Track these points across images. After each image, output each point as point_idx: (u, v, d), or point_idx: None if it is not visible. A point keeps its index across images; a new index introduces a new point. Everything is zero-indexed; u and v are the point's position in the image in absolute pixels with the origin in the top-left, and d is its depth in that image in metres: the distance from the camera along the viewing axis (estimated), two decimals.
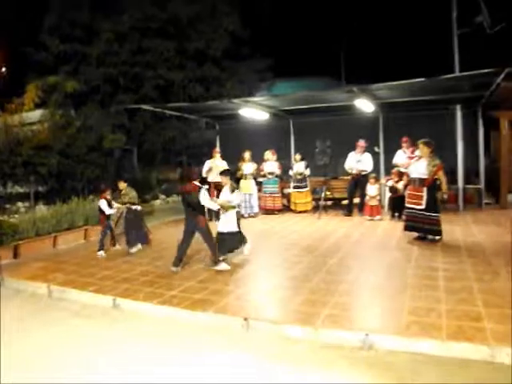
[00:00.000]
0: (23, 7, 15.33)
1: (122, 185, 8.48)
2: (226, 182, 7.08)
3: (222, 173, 7.28)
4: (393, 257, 7.04)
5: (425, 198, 7.70)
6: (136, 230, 8.36)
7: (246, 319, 4.67)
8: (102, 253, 8.08)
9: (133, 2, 16.44)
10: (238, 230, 7.03)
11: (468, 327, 4.16)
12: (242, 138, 13.68)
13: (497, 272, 5.83)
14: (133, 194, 8.48)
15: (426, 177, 7.71)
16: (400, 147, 10.84)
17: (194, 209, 6.73)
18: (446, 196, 7.76)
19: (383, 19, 22.50)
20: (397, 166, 10.71)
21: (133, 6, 16.37)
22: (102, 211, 8.29)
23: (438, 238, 7.85)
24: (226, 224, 6.93)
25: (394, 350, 4.04)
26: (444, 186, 7.70)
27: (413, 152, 10.42)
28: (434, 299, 4.91)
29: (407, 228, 8.09)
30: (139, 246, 8.36)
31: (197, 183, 6.85)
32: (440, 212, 7.88)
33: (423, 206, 7.71)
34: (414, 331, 4.15)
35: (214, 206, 6.94)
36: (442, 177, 7.70)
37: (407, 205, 8.07)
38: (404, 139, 10.73)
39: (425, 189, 7.71)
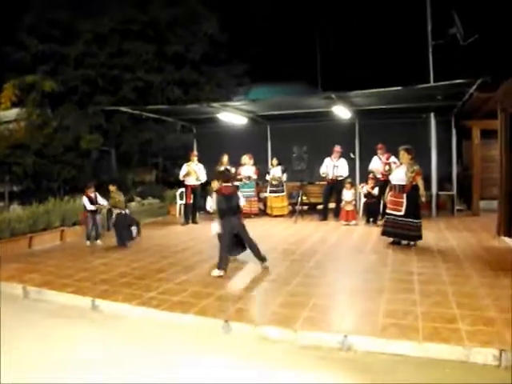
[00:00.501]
0: (1, 5, 15.06)
1: (111, 188, 8.98)
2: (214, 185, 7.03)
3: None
4: (369, 260, 7.15)
5: (404, 204, 7.80)
6: (124, 229, 8.76)
7: (226, 321, 4.69)
8: (88, 242, 8.99)
9: (113, 4, 16.36)
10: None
11: (443, 329, 4.26)
12: (220, 141, 13.68)
13: (469, 276, 5.98)
14: (119, 198, 8.85)
15: (405, 183, 7.83)
16: (375, 153, 11.02)
17: (235, 209, 6.78)
18: (423, 199, 7.92)
19: (360, 28, 22.81)
20: (372, 172, 10.89)
21: (113, 7, 16.29)
22: (84, 207, 9.02)
23: (413, 243, 7.99)
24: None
25: (372, 351, 4.11)
26: (422, 191, 7.84)
27: (388, 158, 10.64)
28: (410, 302, 5.00)
29: (385, 233, 8.20)
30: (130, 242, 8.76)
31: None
32: (421, 217, 8.00)
33: (402, 213, 7.82)
34: (391, 333, 4.23)
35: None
36: (419, 182, 7.83)
37: (388, 211, 8.18)
38: (379, 146, 10.91)
39: (404, 195, 7.82)
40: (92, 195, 9.05)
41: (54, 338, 4.69)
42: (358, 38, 23.04)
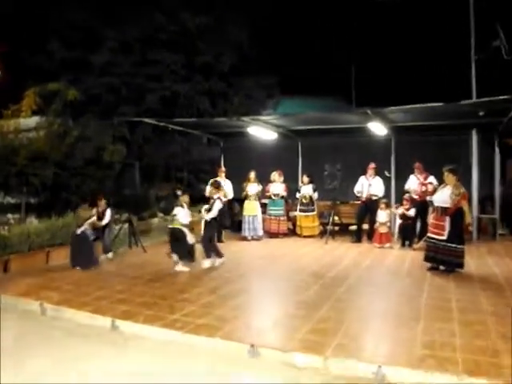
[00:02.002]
0: (24, 9, 15.45)
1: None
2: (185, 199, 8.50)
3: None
4: (404, 285, 7.14)
5: (447, 228, 7.73)
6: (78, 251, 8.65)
7: (252, 346, 4.73)
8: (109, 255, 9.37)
9: (141, 10, 16.72)
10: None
11: (484, 362, 4.22)
12: (248, 157, 13.80)
13: None
14: (82, 214, 8.96)
15: (448, 205, 7.76)
16: (411, 172, 10.98)
17: None
18: (470, 228, 7.81)
19: (398, 41, 22.78)
20: (408, 192, 10.84)
21: (141, 13, 16.64)
22: None
23: (459, 270, 7.88)
24: None
25: (408, 383, 4.10)
26: (468, 218, 7.77)
27: (425, 178, 10.59)
28: (448, 332, 4.97)
29: (427, 259, 8.14)
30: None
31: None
32: (464, 243, 7.93)
33: (445, 237, 7.75)
34: (428, 364, 4.21)
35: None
36: (465, 206, 7.75)
37: (429, 234, 8.13)
38: (416, 165, 10.86)
39: (447, 218, 7.75)
40: (99, 209, 9.22)
41: (74, 357, 4.79)
42: (395, 51, 23.02)
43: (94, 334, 5.43)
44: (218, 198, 8.63)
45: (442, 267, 7.97)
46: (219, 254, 8.64)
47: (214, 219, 8.59)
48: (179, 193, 8.67)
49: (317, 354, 4.51)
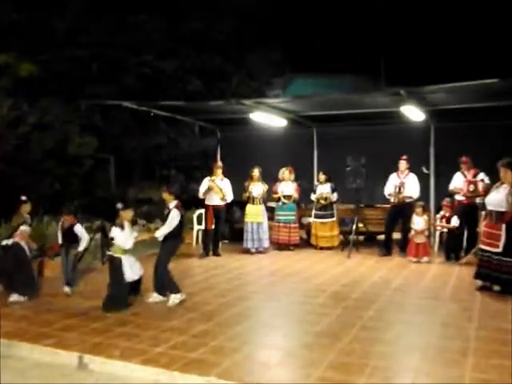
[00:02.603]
0: None
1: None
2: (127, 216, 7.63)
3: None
4: (448, 311, 7.06)
5: (503, 238, 7.60)
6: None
7: None
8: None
9: None
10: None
11: None
12: (251, 149, 13.79)
13: None
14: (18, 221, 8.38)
15: (505, 209, 7.64)
16: (458, 168, 10.91)
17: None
18: None
19: (438, 4, 22.72)
20: (452, 195, 10.78)
21: None
22: None
23: None
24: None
25: None
26: None
27: (474, 175, 10.53)
28: (506, 370, 4.90)
29: (479, 275, 8.06)
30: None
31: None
32: None
33: (500, 249, 7.64)
34: None
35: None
36: None
37: (481, 246, 8.05)
38: (463, 159, 10.79)
39: (503, 226, 7.62)
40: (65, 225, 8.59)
41: None
42: (435, 17, 22.94)
43: (57, 376, 5.35)
44: (176, 206, 7.66)
45: (496, 287, 7.89)
46: (176, 289, 7.62)
47: (172, 238, 7.73)
48: (119, 206, 7.57)
49: None
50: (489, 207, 7.94)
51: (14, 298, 7.83)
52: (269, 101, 12.75)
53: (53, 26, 16.00)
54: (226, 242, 13.08)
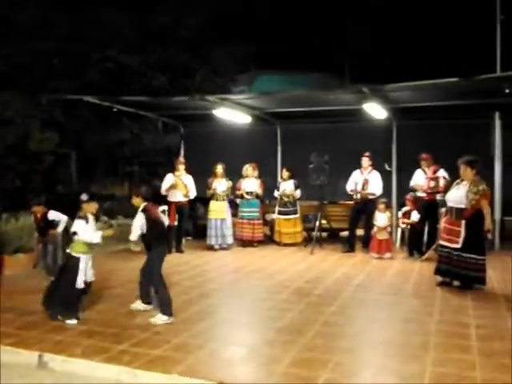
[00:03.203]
0: None
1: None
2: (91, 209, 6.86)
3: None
4: (409, 307, 7.13)
5: (462, 234, 7.70)
6: None
7: None
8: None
9: None
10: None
11: None
12: (214, 146, 13.78)
13: None
14: None
15: (465, 206, 7.73)
16: (418, 165, 11.03)
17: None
18: (489, 235, 7.80)
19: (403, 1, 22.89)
20: (414, 190, 10.91)
21: None
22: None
23: (480, 286, 7.88)
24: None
25: None
26: (488, 222, 7.69)
27: (434, 172, 10.65)
28: (466, 364, 4.96)
29: (439, 271, 8.16)
30: None
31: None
32: (485, 253, 7.88)
33: (459, 245, 7.74)
34: None
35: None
36: (486, 208, 7.70)
37: (441, 242, 8.15)
38: (423, 156, 10.91)
39: (463, 222, 7.72)
40: (38, 216, 8.72)
41: None
42: (399, 14, 23.09)
43: (16, 376, 5.25)
44: (143, 209, 6.88)
45: (456, 283, 8.01)
46: (169, 312, 6.67)
47: (158, 244, 7.00)
48: (84, 197, 6.88)
49: None
50: (449, 204, 8.04)
51: None
52: (233, 97, 12.74)
53: (14, 18, 15.68)
54: (190, 238, 13.04)
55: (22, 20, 15.70)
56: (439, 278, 8.20)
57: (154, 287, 6.80)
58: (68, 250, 6.80)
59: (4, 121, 14.49)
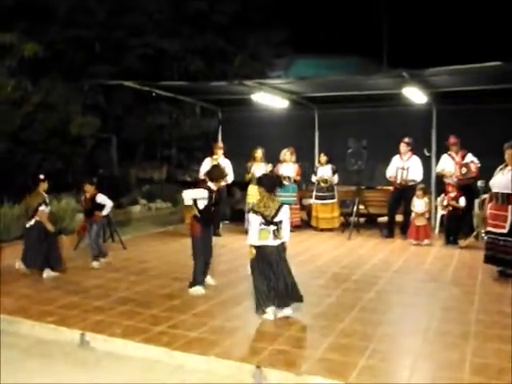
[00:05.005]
0: None
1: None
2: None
3: None
4: (448, 294, 7.03)
5: (509, 219, 7.57)
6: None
7: (258, 367, 4.64)
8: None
9: None
10: None
11: None
12: (252, 130, 13.70)
13: None
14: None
15: (511, 191, 7.60)
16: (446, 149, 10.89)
17: None
18: None
19: None
20: (441, 176, 10.77)
21: None
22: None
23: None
24: None
25: None
26: None
27: (462, 157, 10.50)
28: (506, 354, 4.87)
29: (487, 259, 7.98)
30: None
31: None
32: None
33: (506, 230, 7.60)
34: None
35: None
36: None
37: (488, 228, 8.01)
38: (452, 140, 10.79)
39: (510, 207, 7.58)
40: (87, 196, 8.85)
41: None
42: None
43: (59, 353, 5.34)
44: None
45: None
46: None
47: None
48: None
49: (339, 377, 4.42)
50: (494, 189, 7.88)
51: (49, 273, 7.95)
52: (271, 82, 12.65)
53: (56, 7, 15.78)
54: (227, 222, 13.05)
55: (63, 9, 15.79)
56: (496, 268, 7.94)
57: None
58: None
59: (47, 105, 14.62)
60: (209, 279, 7.40)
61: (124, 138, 17.54)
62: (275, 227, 5.95)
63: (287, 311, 5.95)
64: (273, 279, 5.90)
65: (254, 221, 5.98)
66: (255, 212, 5.98)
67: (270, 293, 5.90)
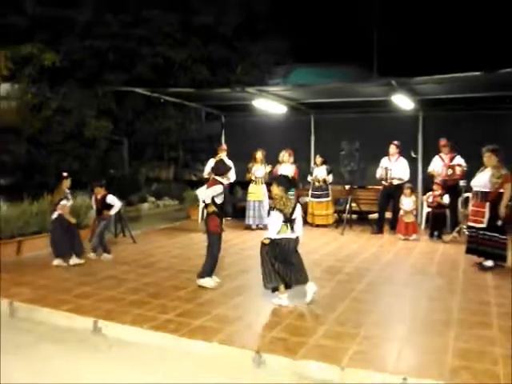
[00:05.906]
0: None
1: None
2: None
3: None
4: (433, 285, 7.06)
5: (487, 215, 7.76)
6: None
7: (257, 352, 4.66)
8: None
9: None
10: None
11: None
12: (253, 133, 13.72)
13: None
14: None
15: (489, 190, 7.77)
16: (438, 152, 10.87)
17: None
18: (502, 214, 7.71)
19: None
20: (432, 176, 10.79)
21: None
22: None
23: (501, 264, 7.89)
24: None
25: None
26: (505, 201, 7.66)
27: (451, 160, 10.53)
28: (487, 340, 4.89)
29: (468, 251, 8.21)
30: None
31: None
32: (506, 233, 7.88)
33: (484, 225, 7.81)
34: (462, 378, 4.12)
35: None
36: (507, 190, 7.67)
37: (468, 223, 8.26)
38: (442, 142, 10.78)
39: (487, 204, 7.77)
40: (98, 197, 8.94)
41: (47, 370, 4.70)
42: (425, 11, 22.69)
43: (73, 339, 5.36)
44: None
45: (488, 263, 7.90)
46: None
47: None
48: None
49: (332, 362, 4.43)
50: (475, 188, 8.08)
51: (74, 260, 8.17)
52: (270, 89, 12.64)
53: (73, 19, 15.82)
54: (229, 219, 13.05)
55: (79, 20, 15.83)
56: (475, 259, 8.14)
57: None
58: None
59: (64, 110, 14.69)
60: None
61: (134, 140, 17.60)
62: (291, 223, 6.15)
63: (311, 286, 6.13)
64: (285, 264, 6.10)
65: (277, 218, 6.08)
66: (279, 210, 6.07)
67: (276, 274, 6.06)
